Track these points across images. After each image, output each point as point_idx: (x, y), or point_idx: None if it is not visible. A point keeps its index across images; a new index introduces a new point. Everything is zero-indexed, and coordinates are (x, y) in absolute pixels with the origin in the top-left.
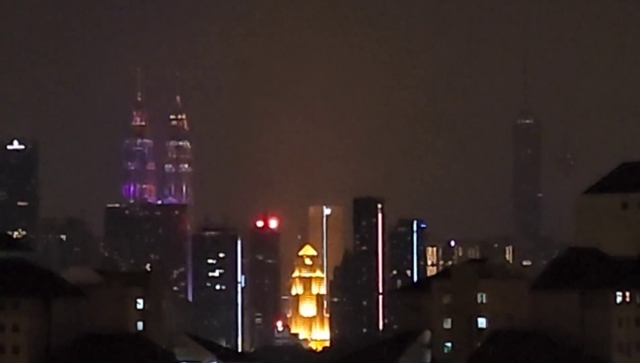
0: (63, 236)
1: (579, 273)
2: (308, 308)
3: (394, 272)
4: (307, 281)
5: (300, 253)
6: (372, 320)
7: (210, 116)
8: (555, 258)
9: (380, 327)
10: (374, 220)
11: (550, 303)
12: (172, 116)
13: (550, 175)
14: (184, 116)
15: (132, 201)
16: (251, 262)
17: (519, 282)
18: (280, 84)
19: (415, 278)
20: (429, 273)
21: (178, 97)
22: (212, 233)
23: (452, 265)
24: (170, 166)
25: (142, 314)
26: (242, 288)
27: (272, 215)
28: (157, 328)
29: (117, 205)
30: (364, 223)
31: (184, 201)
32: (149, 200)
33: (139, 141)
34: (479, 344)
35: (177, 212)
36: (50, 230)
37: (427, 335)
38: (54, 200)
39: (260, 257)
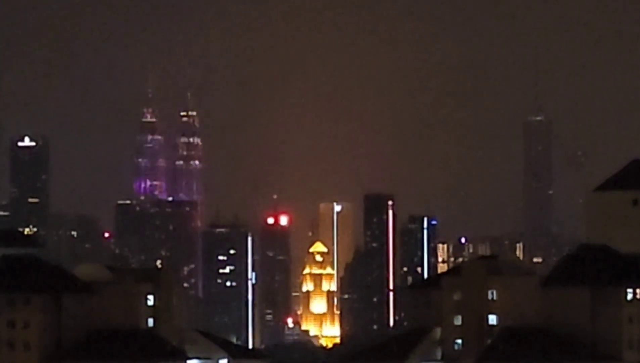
0: (74, 233)
1: (590, 269)
2: (318, 304)
3: (405, 269)
4: (317, 278)
5: (311, 250)
6: (382, 317)
7: (221, 113)
8: (566, 254)
9: (391, 323)
10: (385, 217)
11: (560, 300)
12: (182, 113)
13: (561, 172)
14: (194, 113)
15: (142, 197)
16: (262, 259)
17: (530, 279)
18: (291, 81)
19: (425, 275)
20: (439, 270)
21: (189, 94)
22: (223, 229)
23: (463, 261)
24: (180, 162)
25: (153, 310)
26: (253, 285)
27: (283, 212)
28: (168, 325)
29: (127, 201)
30: (374, 220)
31: (194, 197)
32: (160, 197)
33: (150, 137)
34: (490, 341)
35: (187, 208)
36: (61, 226)
37: (438, 331)
38: (64, 196)
39: (270, 254)
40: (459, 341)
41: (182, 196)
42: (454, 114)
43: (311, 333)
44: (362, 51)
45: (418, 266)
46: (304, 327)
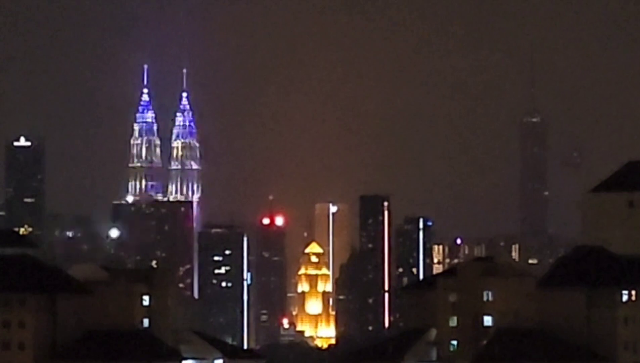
0: (69, 233)
1: (585, 271)
2: (314, 305)
3: (400, 270)
4: (313, 279)
5: (306, 251)
6: (377, 318)
7: (217, 113)
8: (562, 256)
9: (386, 324)
10: (380, 218)
11: (556, 301)
12: (178, 113)
13: (556, 173)
14: (190, 113)
15: (138, 198)
16: (257, 259)
17: (525, 280)
18: (288, 82)
19: (421, 276)
20: (435, 271)
21: (185, 94)
22: (218, 230)
23: (458, 263)
24: (176, 163)
25: (148, 311)
26: (248, 286)
27: (278, 213)
28: (163, 325)
29: (123, 202)
30: (370, 221)
31: (190, 198)
32: (155, 197)
33: (145, 137)
34: (485, 342)
35: (183, 209)
36: (57, 227)
37: (433, 333)
38: (60, 196)
39: (266, 254)
40: (454, 342)
41: (178, 196)
42: (450, 115)
43: (306, 334)
44: (358, 52)
45: (413, 267)
46: (299, 328)
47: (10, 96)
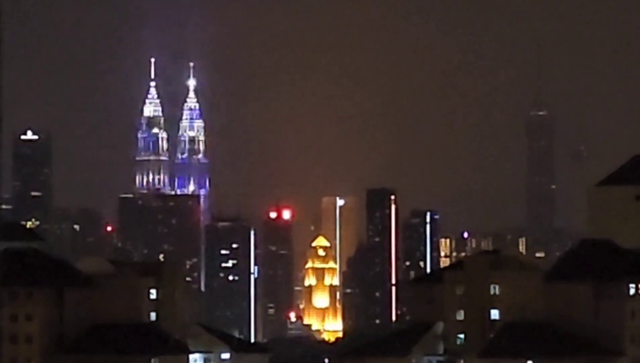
0: (76, 226)
1: (592, 264)
2: (321, 299)
3: (407, 263)
4: (320, 272)
5: (313, 244)
6: (384, 311)
7: (224, 107)
8: (569, 249)
9: (393, 318)
10: (387, 211)
11: (563, 295)
12: (185, 107)
13: (563, 167)
14: (197, 107)
15: (145, 191)
16: (264, 253)
17: (532, 274)
18: (295, 76)
19: (428, 270)
20: (442, 265)
21: (192, 88)
22: (225, 223)
23: (465, 256)
24: (184, 156)
25: (155, 304)
26: (255, 279)
27: (285, 206)
28: (170, 319)
29: (130, 195)
30: (377, 214)
31: (197, 191)
32: (162, 191)
33: (153, 131)
34: (492, 336)
35: (190, 203)
36: (64, 220)
37: (440, 326)
38: (67, 190)
39: (273, 248)
40: (462, 336)
41: (185, 190)
42: (456, 109)
43: (313, 328)
44: (363, 46)
45: (420, 260)
46: (306, 321)
47: (17, 90)
